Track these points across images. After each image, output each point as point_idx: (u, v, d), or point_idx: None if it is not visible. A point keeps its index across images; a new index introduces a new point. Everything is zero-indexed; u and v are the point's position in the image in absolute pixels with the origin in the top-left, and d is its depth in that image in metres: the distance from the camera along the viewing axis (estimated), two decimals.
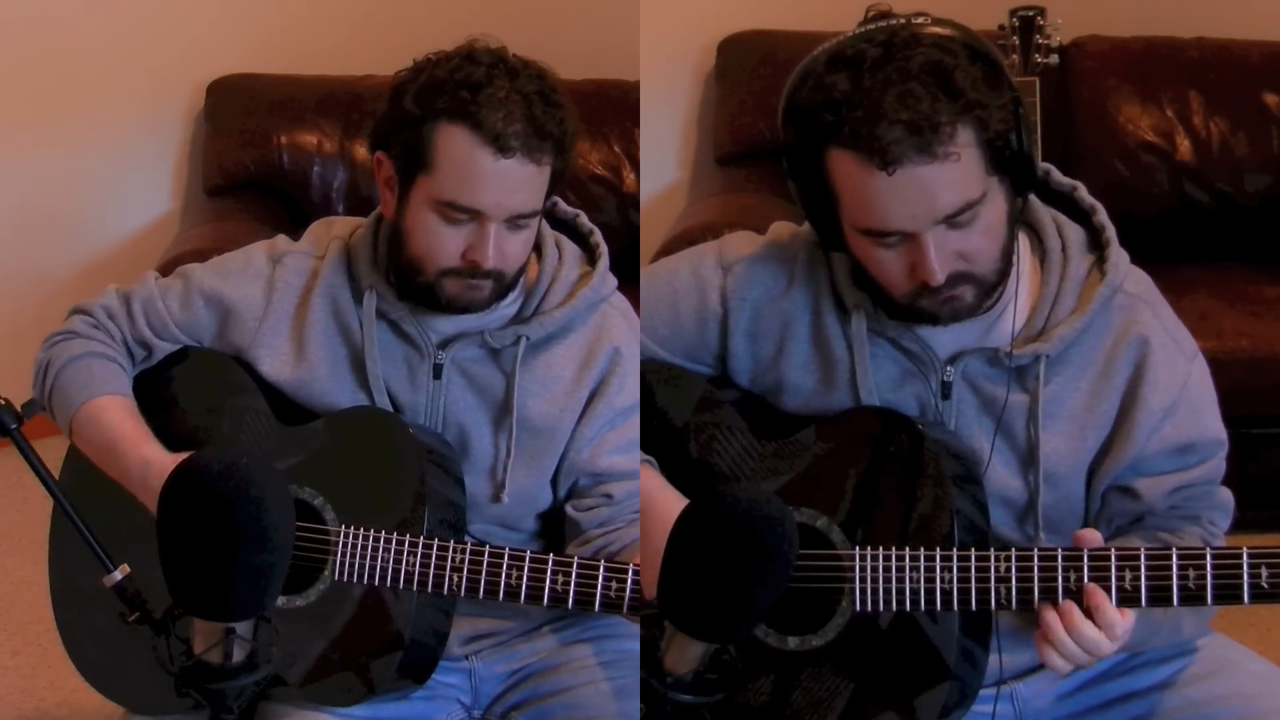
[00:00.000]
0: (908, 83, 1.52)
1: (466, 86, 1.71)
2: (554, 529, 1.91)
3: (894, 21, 1.58)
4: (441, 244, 1.75)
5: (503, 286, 1.80)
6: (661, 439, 1.80)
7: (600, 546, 1.82)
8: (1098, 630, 1.56)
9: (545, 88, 1.74)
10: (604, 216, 3.93)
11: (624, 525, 1.84)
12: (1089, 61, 3.85)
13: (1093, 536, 1.60)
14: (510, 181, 1.72)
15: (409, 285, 1.81)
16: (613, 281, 1.90)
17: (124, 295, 1.97)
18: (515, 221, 1.75)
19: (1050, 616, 1.57)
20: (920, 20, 1.58)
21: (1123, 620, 1.56)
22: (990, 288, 1.65)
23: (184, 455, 1.54)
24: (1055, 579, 1.58)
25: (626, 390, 1.86)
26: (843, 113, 1.54)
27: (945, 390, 1.71)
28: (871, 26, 1.58)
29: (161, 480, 1.66)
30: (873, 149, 1.52)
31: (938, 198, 1.56)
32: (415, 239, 1.77)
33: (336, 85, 4.08)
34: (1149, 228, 3.62)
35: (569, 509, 1.88)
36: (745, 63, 3.99)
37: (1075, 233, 1.73)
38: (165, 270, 2.01)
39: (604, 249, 1.90)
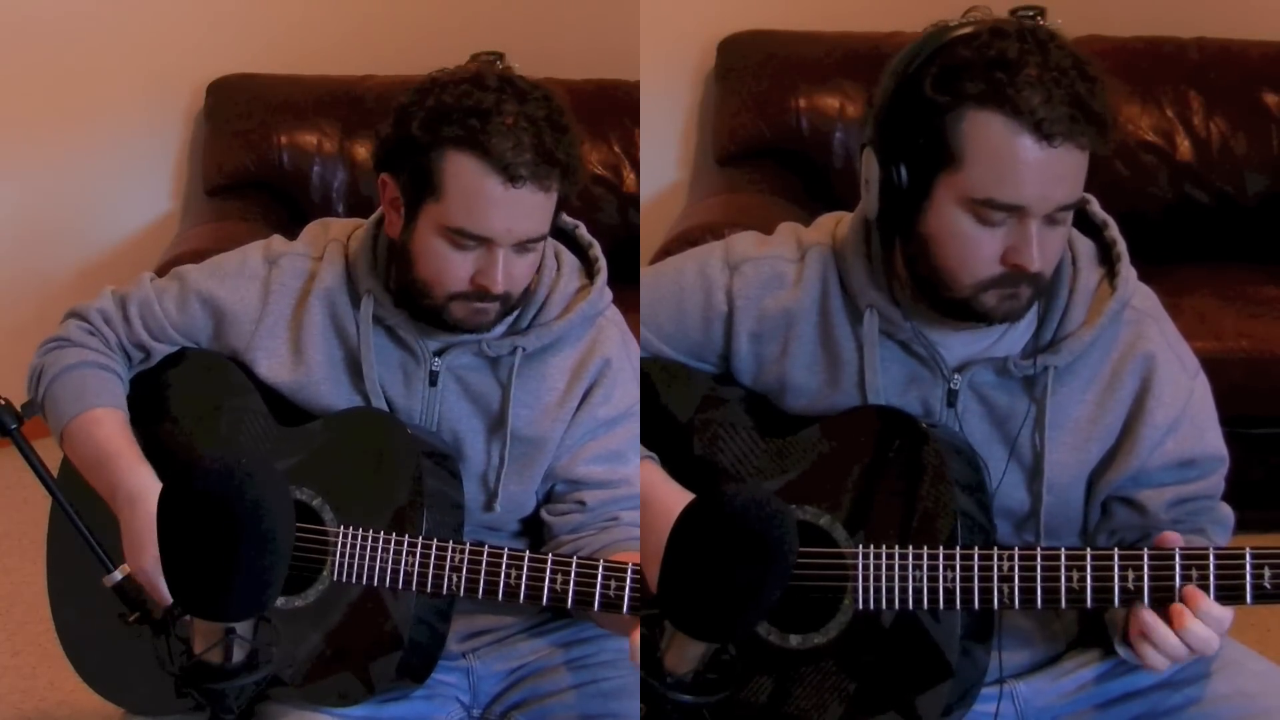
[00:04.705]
0: (1070, 72, 1.54)
1: (476, 114, 1.70)
2: (535, 530, 1.91)
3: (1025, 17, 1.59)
4: (450, 269, 1.75)
5: (509, 307, 1.80)
6: (665, 436, 1.80)
7: (570, 552, 1.81)
8: (1207, 629, 1.55)
9: (553, 112, 1.73)
10: (604, 216, 3.90)
11: (595, 532, 1.84)
12: None
13: (1175, 539, 1.60)
14: (520, 209, 1.72)
15: (416, 306, 1.81)
16: (609, 295, 1.90)
17: (120, 298, 1.96)
18: (524, 245, 1.75)
19: (1150, 618, 1.56)
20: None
21: (1228, 614, 1.56)
22: (1040, 294, 1.66)
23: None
24: (1058, 578, 1.58)
25: (612, 402, 1.86)
26: (1010, 77, 1.54)
27: (950, 398, 1.71)
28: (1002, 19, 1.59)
29: (142, 510, 1.71)
30: (1037, 120, 1.53)
31: (1067, 184, 1.58)
32: (423, 263, 1.77)
33: (336, 85, 4.07)
34: (1149, 228, 3.62)
35: (544, 513, 1.88)
36: (745, 63, 3.98)
37: (1085, 246, 1.73)
38: (164, 271, 2.00)
39: (603, 263, 1.90)
